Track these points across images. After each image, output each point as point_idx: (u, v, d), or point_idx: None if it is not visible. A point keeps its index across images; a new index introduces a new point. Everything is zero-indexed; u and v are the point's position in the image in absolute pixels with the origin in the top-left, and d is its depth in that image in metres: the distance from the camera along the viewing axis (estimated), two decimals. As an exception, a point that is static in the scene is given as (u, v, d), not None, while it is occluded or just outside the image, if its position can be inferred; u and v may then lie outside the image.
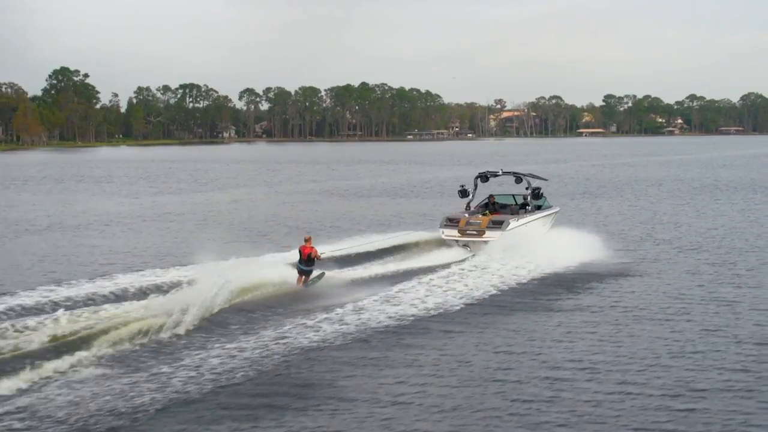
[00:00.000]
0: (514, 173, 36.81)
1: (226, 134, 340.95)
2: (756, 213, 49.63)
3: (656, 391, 16.82)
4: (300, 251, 26.34)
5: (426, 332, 21.39)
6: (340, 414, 15.69)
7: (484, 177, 37.49)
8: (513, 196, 36.87)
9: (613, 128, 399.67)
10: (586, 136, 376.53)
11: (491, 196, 36.32)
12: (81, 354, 18.53)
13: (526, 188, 35.89)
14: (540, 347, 20.12)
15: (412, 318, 22.56)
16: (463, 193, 36.91)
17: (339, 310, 23.01)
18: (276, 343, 19.72)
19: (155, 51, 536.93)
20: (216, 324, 21.42)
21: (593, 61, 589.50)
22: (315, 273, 26.54)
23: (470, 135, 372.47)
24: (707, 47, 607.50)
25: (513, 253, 30.66)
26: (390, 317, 22.49)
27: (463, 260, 30.47)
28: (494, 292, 25.98)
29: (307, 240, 26.49)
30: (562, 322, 22.56)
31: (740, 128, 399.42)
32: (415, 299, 24.61)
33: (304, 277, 26.22)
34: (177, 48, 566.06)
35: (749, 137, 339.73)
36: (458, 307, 23.87)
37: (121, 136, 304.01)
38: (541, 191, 35.88)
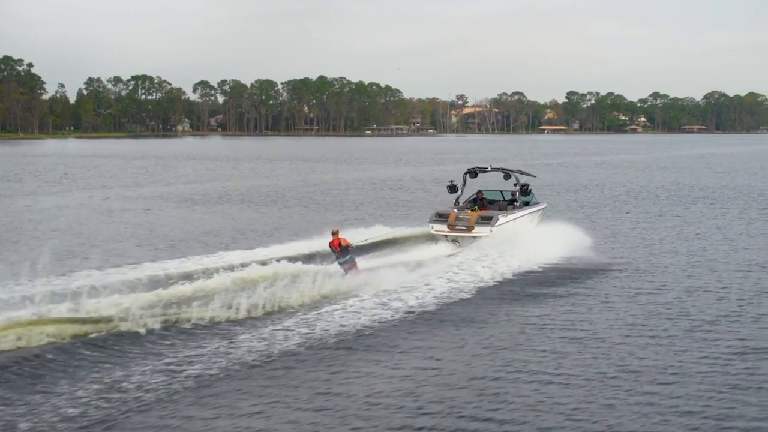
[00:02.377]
0: (503, 169, 37.02)
1: (179, 127, 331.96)
2: (659, 232, 41.71)
3: (636, 391, 16.87)
4: (331, 246, 27.01)
5: (412, 328, 21.51)
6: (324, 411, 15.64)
7: (473, 173, 37.27)
8: (501, 192, 37.10)
9: (576, 125, 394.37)
10: (548, 133, 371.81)
11: (479, 191, 36.40)
12: None
13: (515, 184, 35.91)
14: (528, 343, 20.30)
15: (401, 312, 22.77)
16: (452, 188, 36.76)
17: (327, 306, 23.13)
18: (261, 341, 19.74)
19: (121, 42, 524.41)
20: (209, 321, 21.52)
21: (557, 58, 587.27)
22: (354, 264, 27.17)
23: (431, 131, 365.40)
24: (672, 46, 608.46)
25: (502, 248, 30.86)
26: (379, 312, 22.63)
27: (451, 255, 30.78)
28: (482, 287, 26.23)
29: (334, 233, 27.15)
30: (548, 318, 22.80)
31: (703, 127, 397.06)
32: (402, 294, 24.66)
33: (348, 268, 26.62)
34: (141, 39, 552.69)
35: (711, 136, 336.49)
36: (446, 302, 24.15)
37: (71, 128, 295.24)
38: (529, 187, 35.92)
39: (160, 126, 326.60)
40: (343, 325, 21.30)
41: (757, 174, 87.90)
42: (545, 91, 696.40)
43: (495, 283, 26.87)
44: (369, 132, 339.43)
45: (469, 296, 25.07)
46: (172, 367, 17.82)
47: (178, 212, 49.25)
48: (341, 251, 26.92)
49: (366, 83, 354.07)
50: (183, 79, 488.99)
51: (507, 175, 36.65)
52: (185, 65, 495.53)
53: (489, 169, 37.33)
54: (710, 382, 17.41)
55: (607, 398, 16.39)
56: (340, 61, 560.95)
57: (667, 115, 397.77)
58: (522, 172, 37.29)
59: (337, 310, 22.78)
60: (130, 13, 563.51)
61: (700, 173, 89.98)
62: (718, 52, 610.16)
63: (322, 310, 22.60)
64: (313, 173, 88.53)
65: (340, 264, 26.86)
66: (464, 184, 37.15)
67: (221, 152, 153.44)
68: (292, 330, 20.69)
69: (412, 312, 22.92)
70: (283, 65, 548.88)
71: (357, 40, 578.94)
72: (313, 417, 15.41)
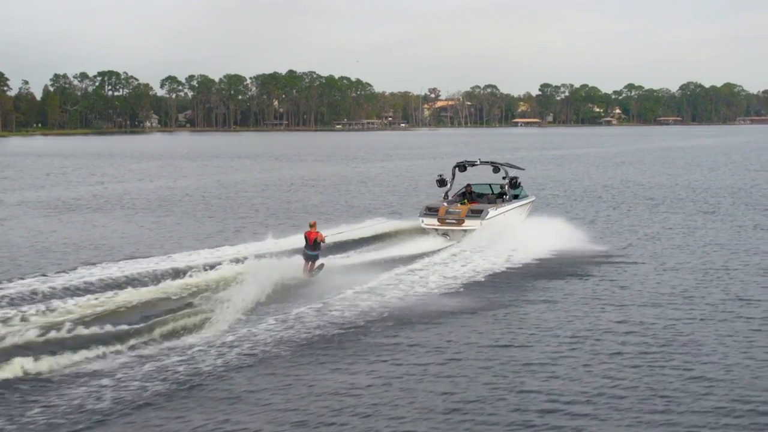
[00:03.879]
0: (492, 162, 37.10)
1: (147, 123, 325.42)
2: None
3: (626, 387, 16.47)
4: (306, 237, 26.84)
5: (404, 323, 21.29)
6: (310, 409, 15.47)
7: (462, 166, 37.54)
8: (489, 185, 37.13)
9: (550, 118, 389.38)
10: (521, 126, 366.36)
11: (468, 185, 36.41)
12: None
13: (503, 177, 36.17)
14: (519, 338, 20.12)
15: (391, 307, 22.46)
16: (441, 182, 37.04)
17: (319, 301, 22.80)
18: (253, 336, 19.59)
19: (87, 38, 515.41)
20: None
21: (531, 51, 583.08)
22: (319, 262, 26.98)
23: (403, 125, 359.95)
24: (648, 38, 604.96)
25: (491, 241, 30.86)
26: (370, 307, 22.38)
27: (442, 249, 30.61)
28: (472, 280, 26.21)
29: (311, 225, 27.07)
30: (538, 311, 22.74)
31: (679, 118, 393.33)
32: (393, 289, 24.47)
33: (310, 263, 26.56)
34: (108, 35, 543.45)
35: (686, 127, 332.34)
36: (436, 296, 24.01)
37: (39, 125, 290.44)
38: (518, 181, 36.21)
39: (128, 122, 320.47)
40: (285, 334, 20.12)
41: (718, 169, 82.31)
42: (519, 83, 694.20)
43: (483, 277, 26.65)
44: (339, 127, 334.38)
45: (455, 291, 24.79)
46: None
47: (34, 222, 42.86)
48: (314, 245, 26.70)
49: (336, 77, 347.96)
50: (151, 75, 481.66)
51: (496, 168, 36.77)
52: (154, 61, 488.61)
53: (478, 162, 37.62)
54: None
55: None
56: (314, 57, 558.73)
57: (642, 107, 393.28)
58: (511, 165, 37.48)
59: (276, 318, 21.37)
60: (97, 8, 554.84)
61: (658, 169, 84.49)
62: (694, 44, 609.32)
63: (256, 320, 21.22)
64: (240, 171, 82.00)
65: (306, 256, 26.70)
66: (453, 178, 37.36)
67: (173, 149, 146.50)
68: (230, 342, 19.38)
69: (397, 309, 22.42)
70: (257, 61, 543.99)
71: (332, 35, 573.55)
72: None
